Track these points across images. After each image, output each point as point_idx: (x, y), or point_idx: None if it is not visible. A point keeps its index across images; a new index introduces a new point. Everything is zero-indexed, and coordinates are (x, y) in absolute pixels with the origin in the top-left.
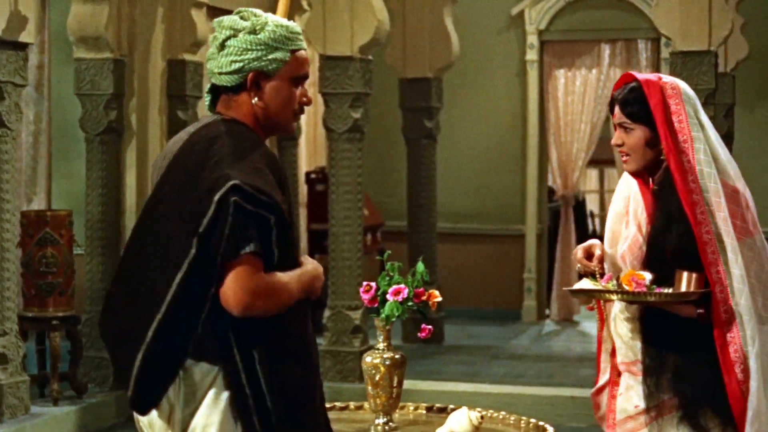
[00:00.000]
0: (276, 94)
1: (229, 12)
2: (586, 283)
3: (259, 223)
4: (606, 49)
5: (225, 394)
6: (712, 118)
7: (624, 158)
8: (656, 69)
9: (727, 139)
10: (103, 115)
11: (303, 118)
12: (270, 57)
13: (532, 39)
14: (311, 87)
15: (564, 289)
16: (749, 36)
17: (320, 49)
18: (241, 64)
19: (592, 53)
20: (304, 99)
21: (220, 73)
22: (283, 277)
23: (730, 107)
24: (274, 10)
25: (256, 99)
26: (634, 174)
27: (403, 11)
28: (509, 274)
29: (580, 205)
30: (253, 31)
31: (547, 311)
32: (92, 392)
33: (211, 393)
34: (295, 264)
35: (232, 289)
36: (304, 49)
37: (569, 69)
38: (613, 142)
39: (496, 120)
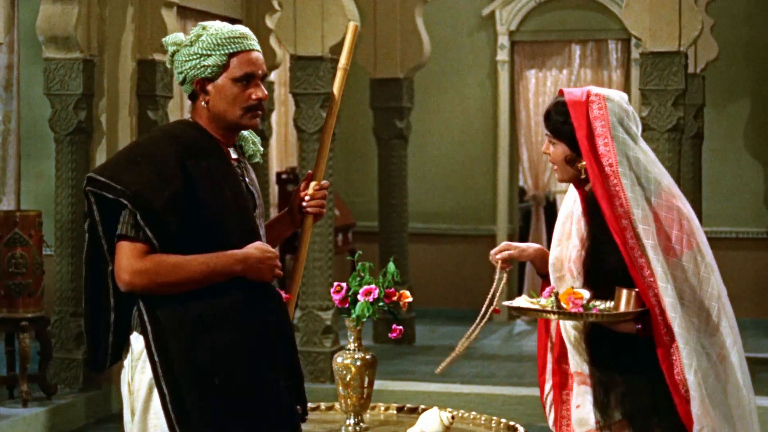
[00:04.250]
0: (219, 95)
1: (199, 12)
2: (522, 301)
3: (119, 209)
4: (576, 50)
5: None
6: (681, 119)
7: (554, 168)
8: (627, 69)
9: (697, 140)
10: (73, 115)
11: (273, 118)
12: (204, 64)
13: (503, 39)
14: (282, 87)
15: (503, 304)
16: (719, 37)
17: (291, 50)
18: (183, 75)
19: (563, 54)
20: (253, 96)
21: (179, 85)
22: (173, 258)
23: (699, 108)
24: (244, 8)
25: (204, 103)
26: (569, 183)
27: (374, 12)
28: (480, 274)
29: (550, 206)
30: (189, 44)
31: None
32: (62, 393)
33: (142, 359)
34: (222, 248)
35: (115, 268)
36: (248, 50)
37: (540, 69)
38: (542, 149)
39: (467, 120)
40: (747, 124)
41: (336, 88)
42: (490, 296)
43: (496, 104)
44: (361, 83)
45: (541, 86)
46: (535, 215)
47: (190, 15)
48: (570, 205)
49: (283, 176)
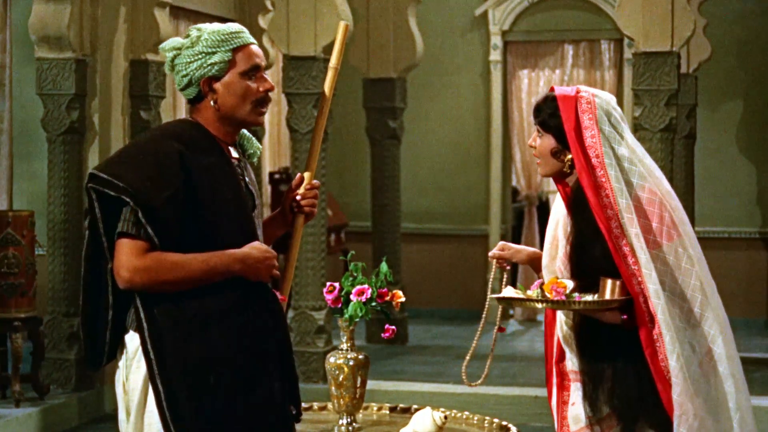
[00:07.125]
0: (228, 91)
1: (192, 12)
2: (510, 291)
3: (120, 207)
4: (569, 50)
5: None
6: (674, 119)
7: (537, 161)
8: (619, 69)
9: (690, 139)
10: (65, 115)
11: (266, 118)
12: (210, 62)
13: (496, 39)
14: (275, 87)
15: (490, 297)
16: (711, 37)
17: (284, 50)
18: (189, 76)
19: (556, 54)
20: (261, 89)
21: (180, 90)
22: (173, 257)
23: (692, 108)
24: (237, 8)
25: (212, 102)
26: (550, 177)
27: (367, 11)
28: (473, 274)
29: (543, 206)
30: (191, 45)
31: (510, 311)
32: (54, 393)
33: (137, 357)
34: (221, 248)
35: (114, 265)
36: (249, 44)
37: (533, 69)
38: (529, 142)
39: (460, 120)
40: (739, 124)
41: (327, 88)
42: (489, 296)
43: (488, 104)
44: (354, 83)
45: (534, 86)
46: (528, 215)
47: (182, 15)
48: (558, 212)
49: (276, 176)
